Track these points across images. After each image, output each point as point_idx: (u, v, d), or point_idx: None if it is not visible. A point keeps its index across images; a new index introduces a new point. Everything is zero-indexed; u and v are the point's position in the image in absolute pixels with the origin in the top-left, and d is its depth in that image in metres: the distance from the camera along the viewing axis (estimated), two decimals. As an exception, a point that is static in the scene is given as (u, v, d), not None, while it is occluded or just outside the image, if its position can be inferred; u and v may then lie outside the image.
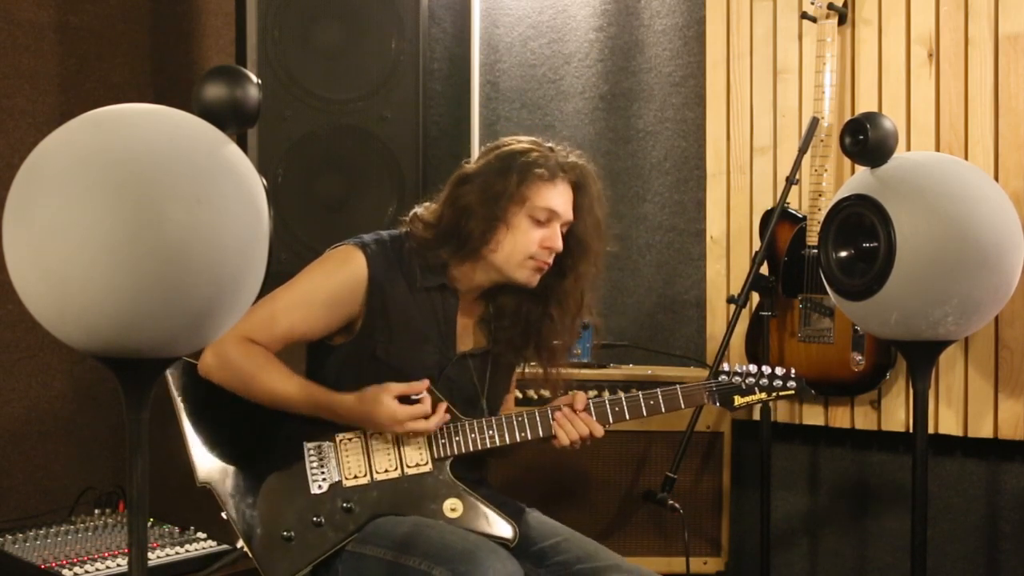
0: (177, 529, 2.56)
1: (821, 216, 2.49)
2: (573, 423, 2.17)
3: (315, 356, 2.24)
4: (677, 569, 2.81)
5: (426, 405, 2.07)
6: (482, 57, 3.62)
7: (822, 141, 2.80)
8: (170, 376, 2.14)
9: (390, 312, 2.15)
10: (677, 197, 3.31)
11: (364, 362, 2.15)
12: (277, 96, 2.81)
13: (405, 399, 2.07)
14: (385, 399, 2.05)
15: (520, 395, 2.77)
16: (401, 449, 2.13)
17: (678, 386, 2.23)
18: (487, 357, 2.26)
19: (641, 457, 2.85)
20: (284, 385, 2.08)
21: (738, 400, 2.25)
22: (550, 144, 2.20)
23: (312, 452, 2.13)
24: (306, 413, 2.10)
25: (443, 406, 2.10)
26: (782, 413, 3.05)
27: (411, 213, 2.24)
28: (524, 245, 2.13)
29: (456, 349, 2.22)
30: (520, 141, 2.20)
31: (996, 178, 2.65)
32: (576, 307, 2.25)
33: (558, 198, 2.15)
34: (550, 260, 2.17)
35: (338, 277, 2.14)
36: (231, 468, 2.12)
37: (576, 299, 2.24)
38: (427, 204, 2.24)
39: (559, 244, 2.15)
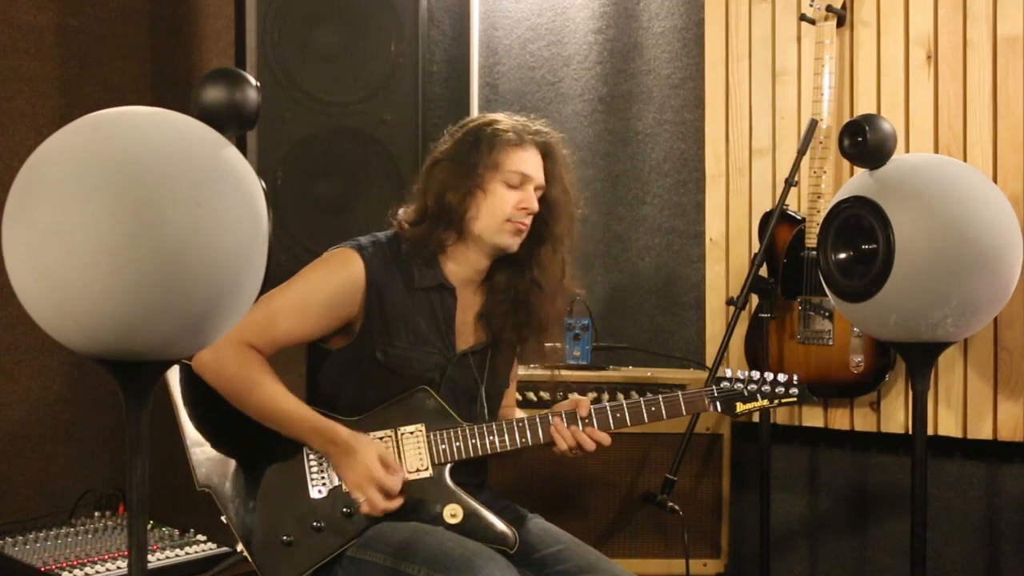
0: (177, 531, 2.56)
1: (820, 218, 2.49)
2: (573, 434, 2.17)
3: (315, 359, 2.24)
4: (677, 571, 2.81)
5: (398, 484, 2.08)
6: (481, 60, 3.63)
7: (821, 143, 2.80)
8: (170, 379, 2.14)
9: (389, 314, 2.16)
10: (676, 199, 3.31)
11: (364, 365, 2.16)
12: (276, 98, 2.81)
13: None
14: (373, 452, 2.07)
15: (520, 397, 2.77)
16: (401, 454, 2.13)
17: (680, 392, 2.23)
18: (486, 352, 2.27)
19: (641, 459, 2.85)
20: (279, 401, 2.08)
21: (740, 407, 2.25)
22: (517, 116, 2.26)
23: (312, 457, 2.12)
24: (293, 432, 2.09)
25: (400, 500, 2.09)
26: (781, 415, 3.05)
27: (396, 218, 2.25)
28: (500, 208, 2.16)
29: (456, 349, 2.23)
30: (486, 115, 2.27)
31: (995, 180, 2.65)
32: (559, 274, 2.27)
33: (529, 162, 2.19)
34: (527, 221, 2.19)
35: (336, 280, 2.14)
36: (231, 472, 2.12)
37: (558, 266, 2.27)
38: (408, 206, 2.27)
39: (534, 205, 2.19)
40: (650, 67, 3.36)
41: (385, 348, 2.15)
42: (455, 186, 2.16)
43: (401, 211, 2.26)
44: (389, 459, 2.09)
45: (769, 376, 2.26)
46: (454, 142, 2.23)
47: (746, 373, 2.27)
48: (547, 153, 2.23)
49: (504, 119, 2.23)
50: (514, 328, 2.25)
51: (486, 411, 2.25)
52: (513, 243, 2.20)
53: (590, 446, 2.18)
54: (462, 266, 2.22)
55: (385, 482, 2.06)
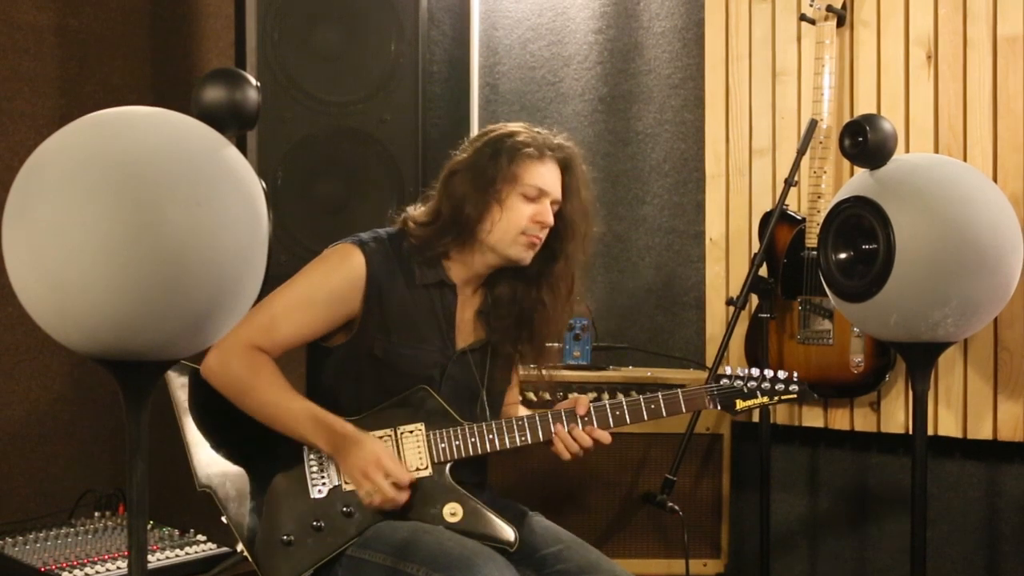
0: (177, 532, 2.56)
1: (820, 218, 2.50)
2: (576, 438, 2.17)
3: (315, 356, 2.25)
4: (677, 571, 2.81)
5: (406, 475, 2.08)
6: (481, 59, 3.62)
7: (821, 143, 2.80)
8: (171, 379, 2.14)
9: (388, 310, 2.16)
10: (676, 199, 3.31)
11: (363, 361, 2.16)
12: (277, 98, 2.81)
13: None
14: (381, 446, 2.08)
15: (520, 397, 2.76)
16: (401, 453, 2.13)
17: (679, 390, 2.23)
18: (486, 349, 2.27)
19: (641, 459, 2.85)
20: (285, 401, 2.08)
21: (740, 404, 2.25)
22: (537, 128, 2.24)
23: (312, 456, 2.13)
24: (299, 431, 2.09)
25: (408, 493, 2.10)
26: (781, 415, 3.05)
27: (403, 215, 2.25)
28: (516, 221, 2.16)
29: (456, 346, 2.23)
30: (507, 126, 2.24)
31: (995, 180, 2.65)
32: (567, 291, 2.27)
33: (547, 176, 2.19)
34: (542, 235, 2.19)
35: (337, 276, 2.14)
36: (231, 472, 2.12)
37: (567, 283, 2.27)
38: (419, 205, 2.27)
39: (550, 219, 2.18)
40: (650, 67, 3.36)
41: (384, 345, 2.15)
42: (472, 198, 2.15)
43: (411, 208, 2.26)
44: (394, 459, 2.09)
45: (769, 373, 2.26)
46: (473, 152, 2.21)
47: (745, 370, 2.27)
48: (566, 167, 2.23)
49: (525, 130, 2.21)
50: (512, 342, 2.26)
51: (487, 409, 2.25)
52: (526, 256, 2.19)
53: (588, 443, 2.18)
54: (464, 268, 2.22)
55: (393, 468, 2.06)
